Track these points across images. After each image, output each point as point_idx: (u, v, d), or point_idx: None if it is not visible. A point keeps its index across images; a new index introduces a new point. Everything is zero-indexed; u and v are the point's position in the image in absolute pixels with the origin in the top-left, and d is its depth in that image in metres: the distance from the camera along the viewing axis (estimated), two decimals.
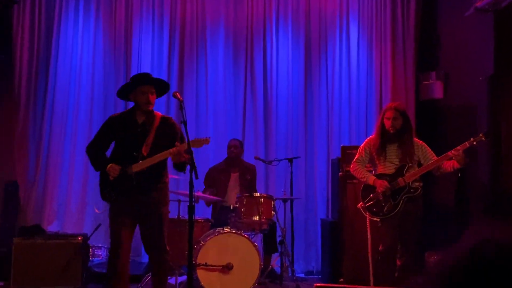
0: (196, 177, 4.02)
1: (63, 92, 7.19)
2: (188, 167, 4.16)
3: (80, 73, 7.26)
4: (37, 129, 7.09)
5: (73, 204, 7.04)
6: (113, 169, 4.24)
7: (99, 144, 4.44)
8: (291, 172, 6.46)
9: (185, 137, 4.14)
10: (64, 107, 7.17)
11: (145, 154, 4.27)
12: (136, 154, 4.27)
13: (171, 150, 4.20)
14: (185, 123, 4.07)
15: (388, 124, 4.88)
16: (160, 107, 7.21)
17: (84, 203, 7.08)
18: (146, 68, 7.26)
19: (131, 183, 4.25)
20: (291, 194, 6.41)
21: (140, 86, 4.35)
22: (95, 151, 4.42)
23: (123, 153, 4.32)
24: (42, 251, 5.53)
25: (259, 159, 6.62)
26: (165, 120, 4.46)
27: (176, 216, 5.68)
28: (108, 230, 4.43)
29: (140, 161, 4.25)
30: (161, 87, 4.52)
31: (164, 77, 7.33)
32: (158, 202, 4.34)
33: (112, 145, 4.50)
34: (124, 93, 4.46)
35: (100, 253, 6.48)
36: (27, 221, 6.69)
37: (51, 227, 6.79)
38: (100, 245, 6.52)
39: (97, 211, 6.38)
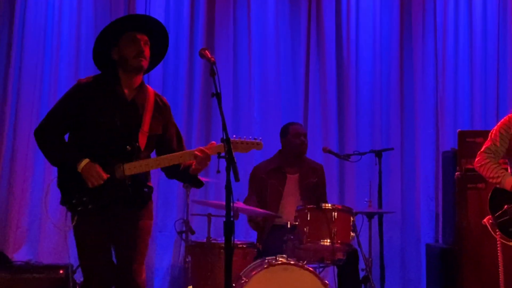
0: (236, 179, 3.91)
1: (35, 53, 7.25)
2: (222, 164, 4.03)
3: (60, 24, 7.32)
4: None
5: (51, 219, 7.01)
6: (94, 172, 4.06)
7: (59, 125, 4.21)
8: (380, 172, 6.35)
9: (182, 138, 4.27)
10: (36, 77, 7.23)
11: (142, 148, 4.20)
12: (130, 147, 4.16)
13: (197, 150, 4.11)
14: (218, 95, 3.95)
15: None
16: (179, 73, 7.19)
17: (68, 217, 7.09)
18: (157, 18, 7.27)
19: (124, 193, 4.15)
20: (380, 206, 6.34)
21: (126, 32, 4.20)
22: (52, 136, 4.19)
23: (101, 144, 4.16)
24: None
25: (330, 151, 6.54)
26: (159, 99, 4.40)
27: (205, 239, 5.72)
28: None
29: (135, 161, 4.14)
30: (158, 41, 4.34)
31: (185, 36, 7.36)
32: (142, 216, 4.28)
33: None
34: (102, 55, 4.25)
35: None
36: None
37: (19, 255, 6.88)
38: None
39: None
